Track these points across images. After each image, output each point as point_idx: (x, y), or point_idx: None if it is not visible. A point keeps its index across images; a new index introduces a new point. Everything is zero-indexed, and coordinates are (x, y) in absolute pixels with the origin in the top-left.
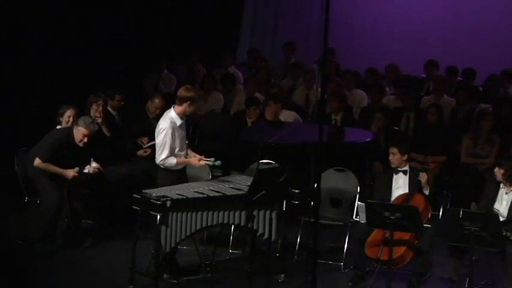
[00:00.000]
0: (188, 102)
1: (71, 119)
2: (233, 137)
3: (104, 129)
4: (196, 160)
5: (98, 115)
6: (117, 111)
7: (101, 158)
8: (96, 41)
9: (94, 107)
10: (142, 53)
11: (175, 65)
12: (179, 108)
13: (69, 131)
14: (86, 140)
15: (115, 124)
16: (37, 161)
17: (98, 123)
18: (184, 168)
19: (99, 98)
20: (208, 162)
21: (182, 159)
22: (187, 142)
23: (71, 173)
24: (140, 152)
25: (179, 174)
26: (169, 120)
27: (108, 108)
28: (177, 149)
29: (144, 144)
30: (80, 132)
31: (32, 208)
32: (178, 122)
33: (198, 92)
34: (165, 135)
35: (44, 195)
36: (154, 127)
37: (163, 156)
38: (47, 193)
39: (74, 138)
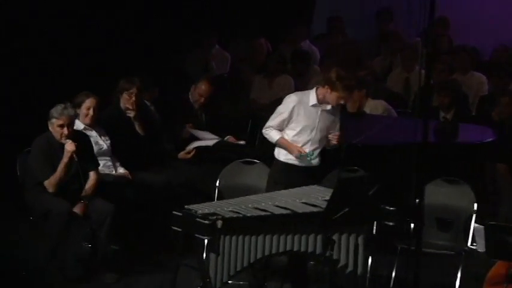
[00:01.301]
0: (330, 86)
1: (91, 112)
2: None
3: (137, 127)
4: (295, 147)
5: (130, 107)
6: (152, 102)
7: (130, 162)
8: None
9: (125, 96)
10: (183, 24)
11: (229, 39)
12: (322, 91)
13: (47, 134)
14: (65, 131)
15: (151, 119)
16: (48, 186)
17: (129, 117)
18: (312, 168)
19: (132, 84)
20: (305, 154)
21: (285, 139)
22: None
23: (69, 145)
24: (182, 155)
25: (302, 174)
26: (302, 94)
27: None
28: (294, 131)
29: (191, 130)
30: (54, 126)
31: (37, 227)
32: (313, 101)
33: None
34: (284, 104)
35: (49, 203)
36: (200, 121)
37: (269, 123)
38: (53, 201)
39: (54, 139)
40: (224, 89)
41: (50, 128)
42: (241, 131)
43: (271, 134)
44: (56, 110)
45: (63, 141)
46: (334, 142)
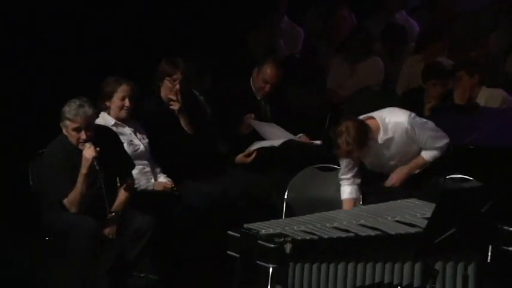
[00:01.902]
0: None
1: (127, 102)
2: None
3: (183, 122)
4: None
5: (174, 97)
6: (202, 91)
7: (174, 168)
8: None
9: (167, 83)
10: None
11: (302, 10)
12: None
13: (61, 138)
14: (83, 136)
15: (201, 113)
16: (69, 206)
17: (172, 111)
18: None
19: (175, 67)
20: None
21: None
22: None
23: (88, 152)
24: (241, 158)
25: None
26: None
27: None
28: None
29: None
30: (68, 129)
31: (55, 250)
32: None
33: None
34: None
35: (71, 221)
36: (265, 114)
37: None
38: (76, 219)
39: (71, 143)
40: (295, 73)
41: (63, 131)
42: (317, 128)
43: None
44: (70, 109)
45: (81, 147)
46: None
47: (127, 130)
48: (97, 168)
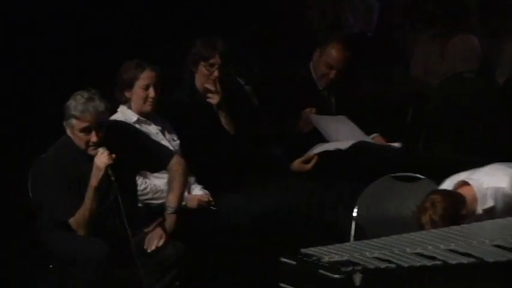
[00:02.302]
0: None
1: (153, 93)
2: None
3: (223, 120)
4: None
5: (212, 87)
6: (248, 80)
7: (213, 177)
8: None
9: (203, 69)
10: None
11: None
12: None
13: (64, 141)
14: (94, 138)
15: (246, 108)
16: (75, 227)
17: (210, 104)
18: None
19: (213, 49)
20: None
21: None
22: None
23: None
24: (298, 165)
25: None
26: None
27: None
28: None
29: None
30: (75, 130)
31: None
32: None
33: None
34: None
35: (78, 245)
36: (329, 107)
37: None
38: (84, 243)
39: (77, 148)
40: (367, 56)
41: (68, 131)
42: (396, 127)
43: None
44: (76, 104)
45: (91, 152)
46: None
47: (153, 129)
48: (112, 179)
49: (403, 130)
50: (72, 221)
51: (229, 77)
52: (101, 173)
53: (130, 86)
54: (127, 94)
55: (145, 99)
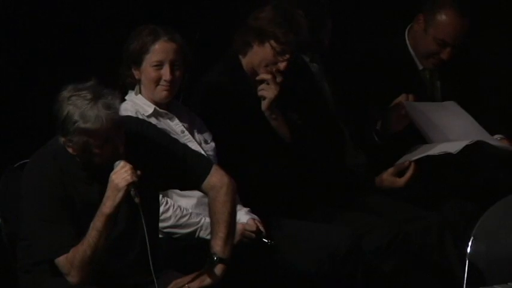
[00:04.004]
0: None
1: (168, 73)
2: None
3: (274, 122)
4: None
5: (268, 76)
6: (315, 56)
7: (264, 198)
8: None
9: (268, 51)
10: None
11: None
12: None
13: (55, 150)
14: (105, 151)
15: (311, 98)
16: (65, 271)
17: (259, 98)
18: None
19: (286, 33)
20: None
21: None
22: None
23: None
24: (388, 178)
25: None
26: None
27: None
28: None
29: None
30: (77, 145)
31: None
32: None
33: None
34: None
35: None
36: (434, 94)
37: None
38: None
39: (73, 161)
40: (489, 25)
41: (68, 149)
42: None
43: None
44: (82, 113)
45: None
46: None
47: (176, 126)
48: (136, 201)
49: None
50: (62, 260)
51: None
52: (120, 195)
53: (138, 62)
54: (136, 74)
55: (157, 81)
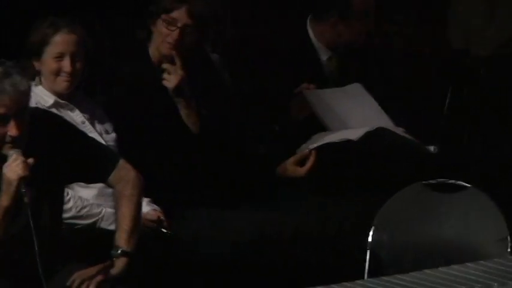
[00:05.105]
0: None
1: (68, 65)
2: None
3: (184, 112)
4: None
5: (167, 52)
6: (216, 46)
7: (165, 189)
8: None
9: (162, 28)
10: None
11: None
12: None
13: None
14: (13, 130)
15: (214, 88)
16: None
17: (164, 86)
18: None
19: (173, 2)
20: None
21: None
22: None
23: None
24: (290, 168)
25: None
26: None
27: None
28: None
29: None
30: None
31: None
32: None
33: None
34: None
35: None
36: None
37: None
38: None
39: None
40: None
41: None
42: (429, 113)
43: None
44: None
45: (7, 151)
46: None
47: (77, 116)
48: (24, 200)
49: (439, 119)
50: None
51: (196, 44)
52: (13, 189)
53: (38, 53)
54: (36, 65)
55: (57, 72)
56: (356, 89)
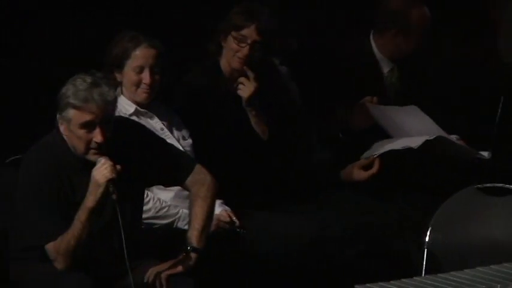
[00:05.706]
0: None
1: (148, 77)
2: None
3: (254, 119)
4: None
5: (238, 66)
6: (283, 59)
7: (237, 192)
8: None
9: (231, 42)
10: None
11: None
12: None
13: (52, 140)
14: (99, 137)
15: (282, 98)
16: (53, 255)
17: (236, 96)
18: None
19: (249, 18)
20: None
21: None
22: None
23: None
24: (353, 172)
25: None
26: None
27: None
28: None
29: None
30: (73, 126)
31: None
32: None
33: None
34: None
35: (56, 282)
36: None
37: None
38: (64, 280)
39: (71, 153)
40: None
41: (61, 128)
42: (482, 124)
43: None
44: (76, 91)
45: (92, 157)
46: None
47: (156, 123)
48: (113, 198)
49: (490, 128)
50: (50, 247)
51: (264, 58)
52: (101, 191)
53: (119, 65)
54: (118, 77)
55: (137, 84)
56: (413, 109)
